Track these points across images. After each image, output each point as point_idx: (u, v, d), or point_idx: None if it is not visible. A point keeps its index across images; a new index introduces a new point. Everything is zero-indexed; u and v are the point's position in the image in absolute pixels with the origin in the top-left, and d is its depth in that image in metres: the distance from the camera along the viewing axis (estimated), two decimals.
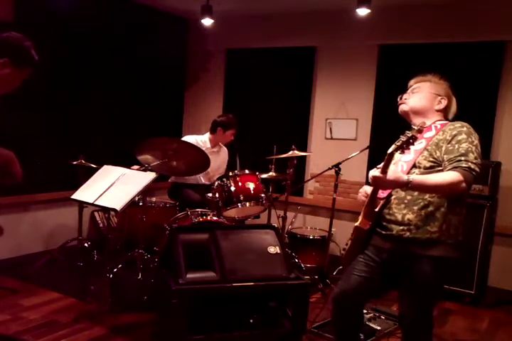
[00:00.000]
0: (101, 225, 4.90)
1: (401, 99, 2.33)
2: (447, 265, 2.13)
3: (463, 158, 2.01)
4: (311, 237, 4.40)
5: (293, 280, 2.91)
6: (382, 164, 1.98)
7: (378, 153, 2.47)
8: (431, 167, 2.10)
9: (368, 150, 4.04)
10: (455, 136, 2.09)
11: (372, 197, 2.15)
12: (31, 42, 1.96)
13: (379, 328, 3.24)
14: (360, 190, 2.32)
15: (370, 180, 2.03)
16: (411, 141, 1.91)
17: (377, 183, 2.01)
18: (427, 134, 2.19)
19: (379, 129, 4.67)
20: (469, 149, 2.04)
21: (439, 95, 2.26)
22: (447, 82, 2.33)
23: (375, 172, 2.00)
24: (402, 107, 2.31)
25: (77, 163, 4.06)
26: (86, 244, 4.29)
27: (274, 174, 4.07)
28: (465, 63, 4.33)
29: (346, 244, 2.35)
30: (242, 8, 5.01)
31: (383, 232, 2.19)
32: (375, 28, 4.59)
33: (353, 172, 4.67)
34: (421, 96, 2.27)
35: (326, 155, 4.88)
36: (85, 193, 3.16)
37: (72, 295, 3.55)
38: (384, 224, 2.19)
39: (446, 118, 2.29)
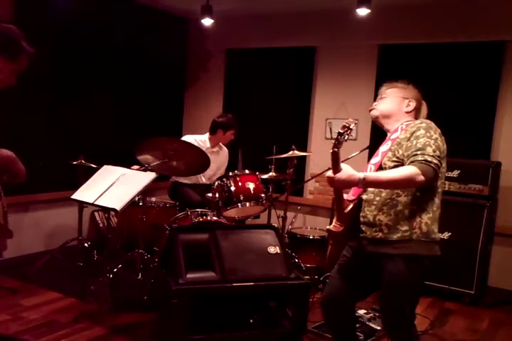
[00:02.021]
0: (101, 225, 4.90)
1: (371, 106, 2.40)
2: (420, 263, 2.13)
3: (419, 152, 2.03)
4: (311, 237, 4.40)
5: (293, 280, 2.91)
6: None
7: None
8: (395, 166, 2.11)
9: (367, 150, 4.03)
10: (414, 132, 2.12)
11: (338, 199, 2.17)
12: (21, 32, 1.91)
13: (379, 328, 3.24)
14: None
15: (327, 182, 2.07)
16: (339, 137, 2.00)
17: (333, 184, 2.05)
18: (393, 136, 2.23)
19: (379, 129, 4.65)
20: (427, 143, 2.05)
21: (407, 98, 2.31)
22: (415, 87, 2.37)
23: (329, 172, 2.03)
24: (373, 113, 2.37)
25: (77, 163, 4.06)
26: (86, 244, 4.29)
27: (274, 174, 4.07)
28: (465, 63, 4.33)
29: (326, 250, 2.37)
30: (242, 8, 5.01)
31: (360, 235, 2.21)
32: (375, 28, 4.59)
33: None
34: (389, 101, 2.33)
35: (326, 155, 4.84)
36: (85, 193, 3.16)
37: (72, 295, 3.55)
38: (360, 226, 2.21)
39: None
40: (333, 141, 2.02)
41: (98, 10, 4.68)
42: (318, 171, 4.38)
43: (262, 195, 3.65)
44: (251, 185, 3.63)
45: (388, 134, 2.32)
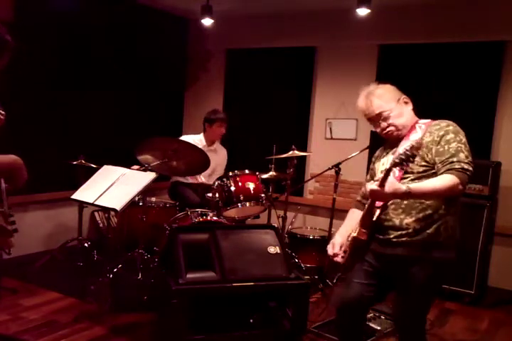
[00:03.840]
0: (101, 225, 4.90)
1: (383, 130, 2.22)
2: (445, 266, 2.14)
3: (455, 159, 2.00)
4: (311, 237, 4.40)
5: (293, 280, 2.91)
6: (379, 177, 1.97)
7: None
8: (424, 171, 2.09)
9: (367, 150, 4.04)
10: (443, 136, 2.09)
11: (370, 208, 2.14)
12: (4, 26, 1.80)
13: (379, 328, 3.24)
14: (329, 246, 2.31)
15: (367, 193, 2.03)
16: (411, 159, 1.88)
17: (376, 196, 2.01)
18: (414, 136, 2.18)
19: None
20: (459, 148, 2.03)
21: (398, 99, 2.22)
22: (381, 82, 2.28)
23: (372, 185, 1.98)
24: (395, 134, 2.22)
25: (77, 163, 4.06)
26: (86, 244, 4.28)
27: (274, 174, 4.07)
28: (465, 63, 4.33)
29: (344, 251, 2.30)
30: (242, 8, 5.01)
31: (381, 237, 2.18)
32: (375, 28, 4.59)
33: (353, 172, 4.67)
34: (395, 114, 2.19)
35: (326, 155, 4.87)
36: (85, 193, 3.16)
37: (72, 295, 3.55)
38: (381, 229, 2.18)
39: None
40: (397, 159, 1.88)
41: (98, 10, 4.68)
42: (318, 171, 4.38)
43: (262, 195, 3.65)
44: (251, 185, 3.63)
45: (405, 138, 2.21)
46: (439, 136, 2.09)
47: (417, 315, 2.22)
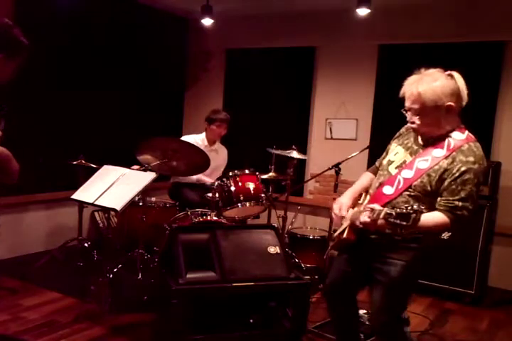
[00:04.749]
0: (101, 225, 4.90)
1: (408, 119, 2.14)
2: (417, 269, 2.20)
3: (460, 204, 1.99)
4: (311, 237, 4.40)
5: (293, 280, 2.91)
6: (375, 213, 1.96)
7: (378, 153, 2.47)
8: (423, 191, 2.06)
9: (367, 150, 4.03)
10: (463, 174, 1.98)
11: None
12: (18, 28, 1.81)
13: None
14: (336, 206, 2.31)
15: (359, 224, 2.06)
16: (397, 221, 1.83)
17: (367, 226, 2.05)
18: (436, 152, 2.06)
19: (379, 129, 4.67)
20: (471, 193, 1.98)
21: (441, 104, 2.02)
22: (444, 75, 2.19)
23: (365, 217, 2.00)
24: (415, 128, 2.15)
25: (77, 163, 4.06)
26: (86, 244, 4.28)
27: (274, 174, 4.07)
28: (465, 63, 4.33)
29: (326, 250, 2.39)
30: (242, 8, 5.01)
31: (368, 236, 2.20)
32: (375, 28, 4.60)
33: (353, 172, 4.64)
34: (425, 117, 2.06)
35: (326, 155, 4.87)
36: (85, 193, 3.16)
37: (72, 295, 3.55)
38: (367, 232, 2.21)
39: (459, 115, 2.14)
40: (403, 211, 1.82)
41: (98, 10, 4.68)
42: (318, 171, 4.38)
43: (262, 195, 3.65)
44: (251, 185, 3.63)
45: (429, 147, 2.11)
46: (459, 172, 1.99)
47: (390, 310, 2.23)
